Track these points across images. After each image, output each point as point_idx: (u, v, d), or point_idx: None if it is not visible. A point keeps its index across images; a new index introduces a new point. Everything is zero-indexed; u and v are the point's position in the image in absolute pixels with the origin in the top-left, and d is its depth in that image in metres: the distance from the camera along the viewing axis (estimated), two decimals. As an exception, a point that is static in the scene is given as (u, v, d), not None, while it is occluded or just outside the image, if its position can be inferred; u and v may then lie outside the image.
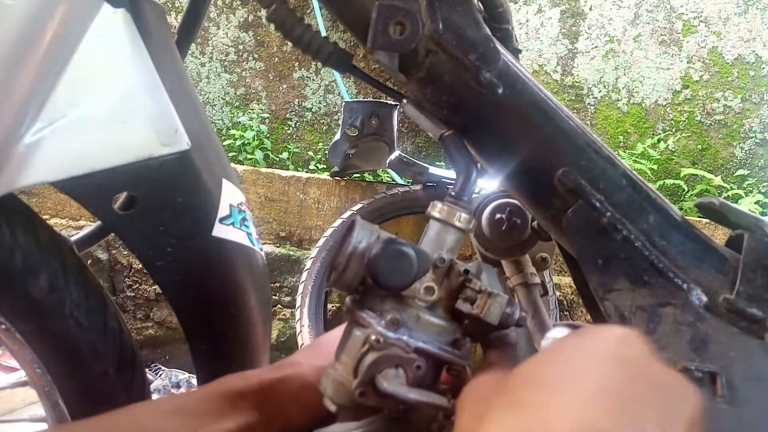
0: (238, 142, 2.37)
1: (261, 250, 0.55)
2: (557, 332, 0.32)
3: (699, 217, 1.68)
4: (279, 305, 1.95)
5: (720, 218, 0.43)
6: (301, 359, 0.39)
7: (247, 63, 2.50)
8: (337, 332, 0.41)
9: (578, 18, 2.31)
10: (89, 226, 0.59)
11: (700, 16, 2.24)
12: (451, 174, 1.69)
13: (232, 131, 2.41)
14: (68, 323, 0.46)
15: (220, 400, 0.33)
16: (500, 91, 0.42)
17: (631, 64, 2.30)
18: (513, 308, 0.36)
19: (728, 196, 2.18)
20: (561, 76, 2.35)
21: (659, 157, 2.25)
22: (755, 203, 2.10)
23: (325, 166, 2.41)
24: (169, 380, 1.76)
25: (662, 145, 2.25)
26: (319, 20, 2.34)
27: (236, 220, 0.50)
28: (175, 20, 2.43)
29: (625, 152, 2.28)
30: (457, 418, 0.28)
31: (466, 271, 0.37)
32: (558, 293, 1.86)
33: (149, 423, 0.30)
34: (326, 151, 2.11)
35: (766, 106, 2.25)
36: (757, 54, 2.22)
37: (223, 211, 0.49)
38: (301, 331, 1.67)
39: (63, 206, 1.94)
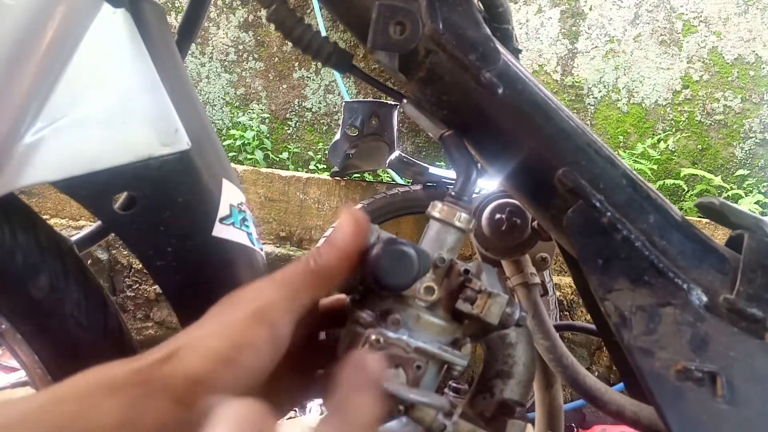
0: (238, 142, 2.37)
1: (261, 250, 0.55)
2: None
3: (699, 217, 1.68)
4: (279, 305, 1.95)
5: (720, 218, 0.43)
6: (197, 342, 0.31)
7: (247, 63, 2.50)
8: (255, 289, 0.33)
9: (578, 18, 2.31)
10: (89, 226, 0.59)
11: (700, 16, 2.24)
12: (451, 174, 1.69)
13: (232, 131, 2.41)
14: (68, 323, 0.46)
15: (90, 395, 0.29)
16: (500, 91, 0.42)
17: (631, 64, 2.30)
18: (513, 308, 0.36)
19: (728, 196, 2.18)
20: (561, 76, 2.35)
21: (659, 157, 2.25)
22: (755, 203, 2.10)
23: (325, 166, 2.42)
24: (169, 380, 1.75)
25: (662, 145, 2.25)
26: (319, 20, 2.34)
27: (236, 220, 0.50)
28: (175, 20, 2.43)
29: (625, 152, 2.28)
30: None
31: (466, 271, 0.37)
32: (558, 293, 1.86)
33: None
34: (326, 151, 2.11)
35: (766, 106, 2.25)
36: (757, 54, 2.22)
37: (223, 211, 0.49)
38: (301, 331, 1.67)
39: (63, 206, 1.94)
